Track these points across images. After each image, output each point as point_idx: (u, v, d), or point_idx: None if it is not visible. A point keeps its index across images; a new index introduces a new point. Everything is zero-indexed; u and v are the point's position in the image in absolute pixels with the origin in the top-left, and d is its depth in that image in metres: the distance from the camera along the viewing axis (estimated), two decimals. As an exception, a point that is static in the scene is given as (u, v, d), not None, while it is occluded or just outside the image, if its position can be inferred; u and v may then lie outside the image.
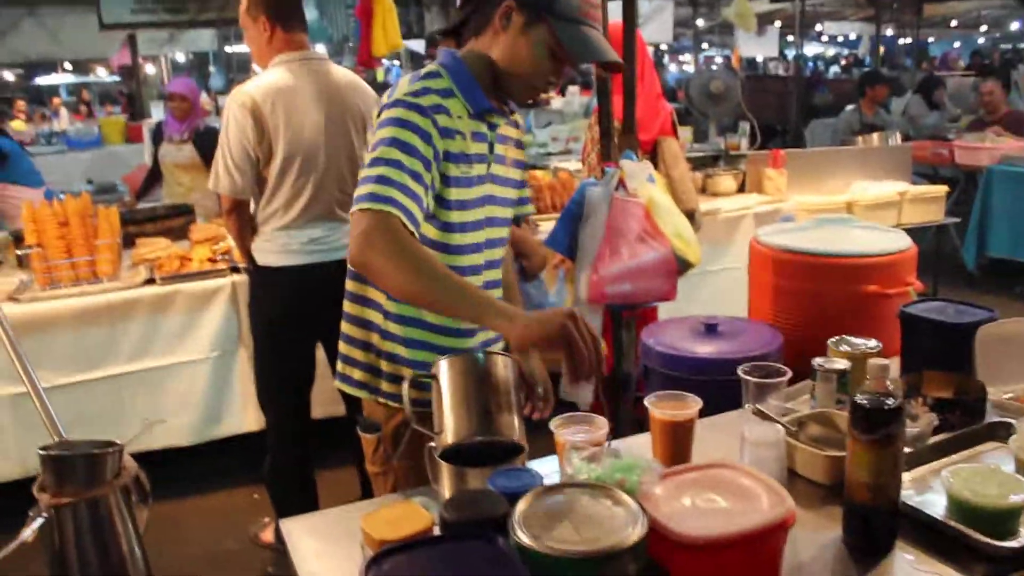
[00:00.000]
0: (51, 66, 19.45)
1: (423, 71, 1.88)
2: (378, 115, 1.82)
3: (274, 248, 3.08)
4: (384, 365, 1.97)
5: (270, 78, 3.02)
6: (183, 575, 3.30)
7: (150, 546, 3.58)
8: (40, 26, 9.94)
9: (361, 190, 1.69)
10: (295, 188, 3.03)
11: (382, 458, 2.03)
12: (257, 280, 3.21)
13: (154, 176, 5.58)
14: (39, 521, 1.24)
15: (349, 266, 1.98)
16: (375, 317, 1.97)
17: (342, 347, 2.06)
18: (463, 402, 1.61)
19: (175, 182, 5.37)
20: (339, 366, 2.07)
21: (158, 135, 5.53)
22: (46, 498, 1.26)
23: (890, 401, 1.45)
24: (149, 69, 15.82)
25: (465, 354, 1.69)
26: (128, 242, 4.17)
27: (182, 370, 3.82)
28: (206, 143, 5.27)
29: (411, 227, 1.67)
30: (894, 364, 2.19)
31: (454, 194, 1.84)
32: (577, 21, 1.79)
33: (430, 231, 1.85)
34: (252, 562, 3.47)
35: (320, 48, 21.82)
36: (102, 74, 20.41)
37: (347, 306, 2.03)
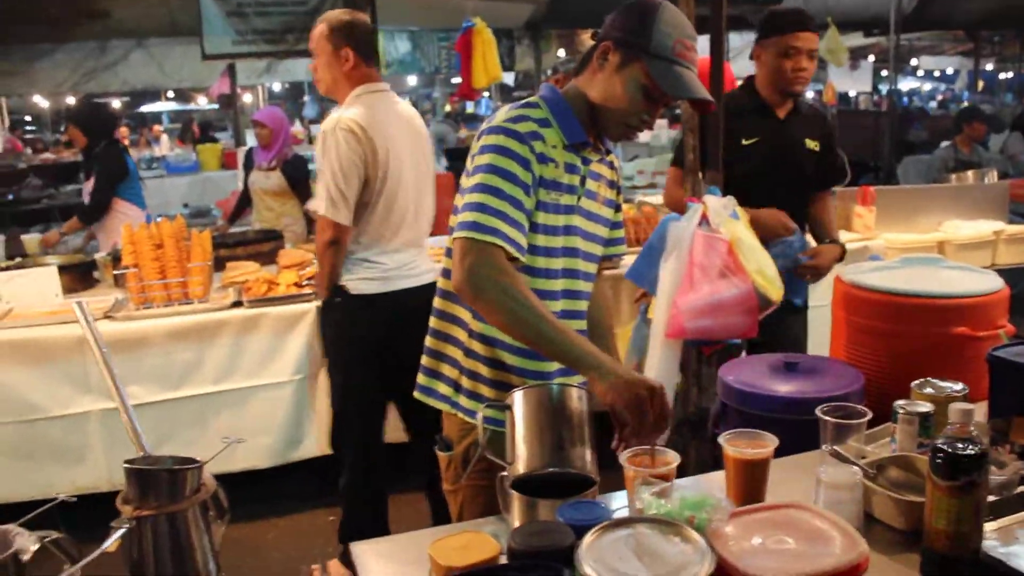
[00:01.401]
0: (155, 95, 20.24)
1: (522, 102, 1.96)
2: (477, 140, 1.89)
3: (371, 275, 3.18)
4: (465, 382, 2.02)
5: (365, 108, 3.12)
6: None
7: (228, 565, 3.66)
8: (148, 57, 10.35)
9: (464, 217, 1.78)
10: (392, 215, 3.15)
11: (453, 476, 2.06)
12: (348, 308, 3.24)
13: (244, 201, 5.75)
14: (121, 531, 1.28)
15: (439, 284, 2.04)
16: (460, 334, 2.03)
17: (426, 360, 2.12)
18: (536, 433, 1.62)
19: (264, 207, 5.52)
20: (421, 378, 2.13)
21: (249, 162, 5.69)
22: (128, 510, 1.31)
23: (973, 446, 1.41)
24: (246, 98, 16.34)
25: (540, 385, 1.71)
26: (219, 265, 4.30)
27: (265, 392, 3.90)
28: (295, 170, 5.42)
29: (516, 254, 1.79)
30: (981, 409, 2.12)
31: (541, 218, 1.90)
32: (671, 60, 1.86)
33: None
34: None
35: (412, 80, 22.23)
36: (202, 103, 21.15)
37: (433, 322, 2.09)
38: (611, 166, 2.13)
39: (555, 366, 2.02)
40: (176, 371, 3.78)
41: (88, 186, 5.45)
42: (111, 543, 1.26)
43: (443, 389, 2.07)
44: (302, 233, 5.36)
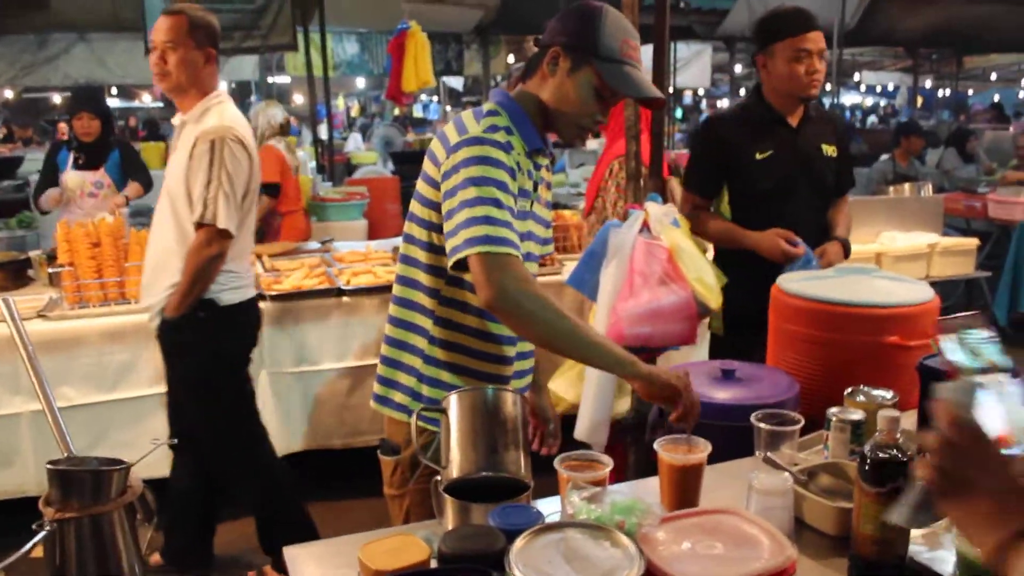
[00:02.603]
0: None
1: (484, 109, 1.97)
2: (454, 151, 1.85)
3: (237, 284, 3.14)
4: (425, 390, 2.01)
5: (235, 113, 3.09)
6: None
7: (164, 570, 3.60)
8: (90, 51, 10.17)
9: (472, 231, 1.75)
10: (250, 224, 3.15)
11: (399, 481, 2.06)
12: (215, 321, 3.10)
13: None
14: (42, 534, 1.25)
15: (395, 292, 2.05)
16: (419, 342, 2.02)
17: (382, 369, 2.10)
18: (470, 437, 1.62)
19: None
20: (377, 387, 2.11)
21: None
22: (51, 512, 1.28)
23: (900, 453, 1.43)
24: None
25: (475, 389, 1.70)
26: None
27: (203, 394, 3.84)
28: None
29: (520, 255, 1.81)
30: (911, 417, 2.17)
31: (515, 226, 1.90)
32: (620, 61, 1.91)
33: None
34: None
35: (360, 82, 22.10)
36: (147, 100, 20.82)
37: (390, 330, 2.08)
38: (549, 167, 2.19)
39: (514, 368, 2.06)
40: (111, 372, 3.70)
41: (98, 175, 5.36)
42: (31, 546, 1.23)
43: (399, 398, 2.05)
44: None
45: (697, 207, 3.25)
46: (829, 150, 3.14)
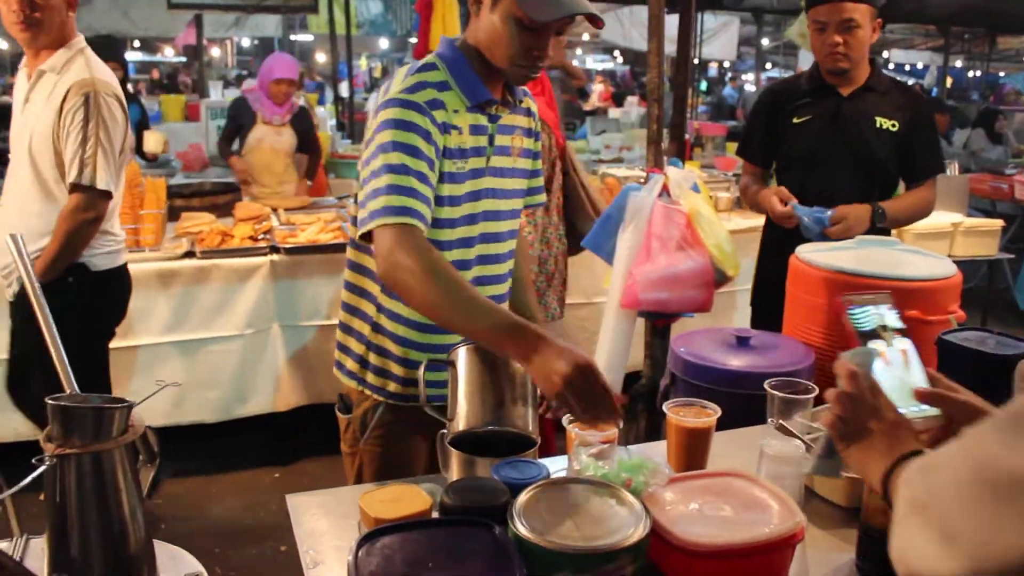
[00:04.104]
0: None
1: (420, 63, 1.86)
2: (375, 114, 1.79)
3: (111, 248, 2.99)
4: (372, 358, 1.97)
5: (101, 63, 2.90)
6: (194, 547, 3.31)
7: (169, 517, 3.63)
8: (113, 3, 10.14)
9: (375, 203, 1.68)
10: (123, 184, 3.02)
11: (351, 439, 2.04)
12: (86, 287, 2.93)
13: (223, 152, 5.39)
14: (42, 468, 1.24)
15: (348, 255, 2.00)
16: (369, 309, 1.97)
17: (339, 335, 2.07)
18: (478, 391, 1.60)
19: (267, 170, 5.15)
20: (336, 353, 2.09)
21: (241, 117, 5.27)
22: (51, 447, 1.26)
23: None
24: (214, 52, 16.06)
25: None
26: (174, 215, 4.22)
27: (215, 345, 3.85)
28: (302, 123, 5.25)
29: (422, 225, 1.68)
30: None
31: (446, 190, 1.81)
32: None
33: None
34: (264, 539, 3.48)
35: (383, 42, 21.98)
36: (168, 54, 20.78)
37: (344, 295, 2.03)
38: (528, 113, 2.03)
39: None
40: (125, 320, 3.69)
41: None
42: (31, 479, 1.21)
43: (350, 365, 2.02)
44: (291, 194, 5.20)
45: (750, 174, 3.21)
46: (886, 123, 2.97)
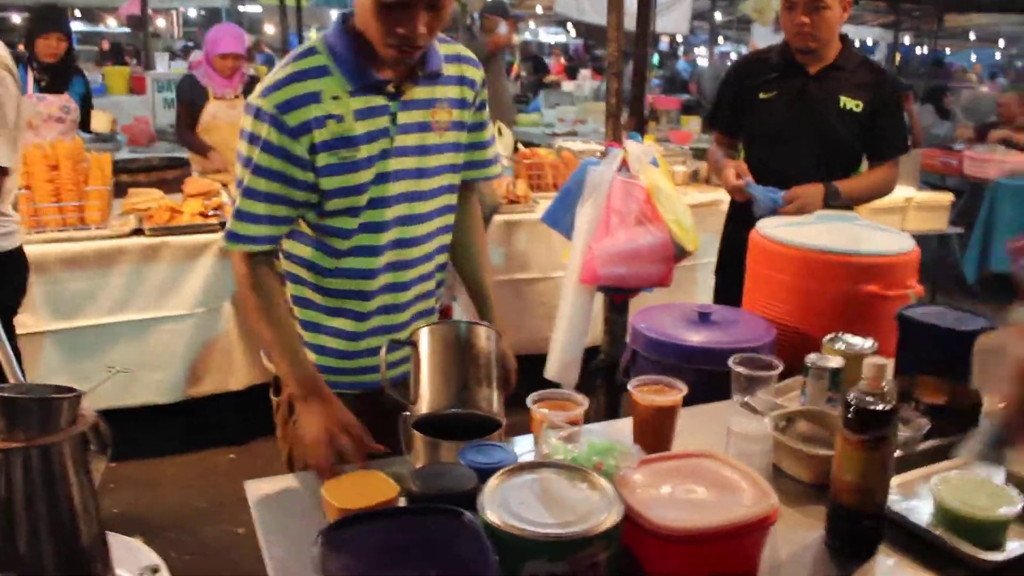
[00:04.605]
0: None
1: (300, 49, 1.78)
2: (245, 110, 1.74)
3: (5, 229, 2.84)
4: (307, 336, 1.93)
5: None
6: (149, 530, 3.25)
7: (123, 502, 3.56)
8: (52, -30, 9.83)
9: (230, 222, 1.74)
10: (18, 161, 2.85)
11: (282, 422, 2.00)
12: None
13: (190, 141, 5.12)
14: (-14, 463, 1.18)
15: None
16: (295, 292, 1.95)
17: None
18: (441, 372, 1.56)
19: (226, 147, 4.88)
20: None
21: (190, 94, 5.07)
22: (-5, 441, 1.20)
23: (884, 402, 1.39)
24: (160, 22, 15.70)
25: (448, 323, 1.64)
26: (121, 191, 4.09)
27: (165, 325, 3.75)
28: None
29: (255, 248, 1.74)
30: (888, 366, 2.14)
31: (332, 182, 1.74)
32: None
33: (312, 220, 1.82)
34: (221, 521, 3.42)
35: (333, 14, 21.72)
36: (112, 24, 20.28)
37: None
38: (459, 81, 1.90)
39: (372, 324, 1.90)
40: (70, 300, 3.60)
41: (63, 100, 5.11)
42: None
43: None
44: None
45: (720, 144, 3.28)
46: (850, 103, 2.96)
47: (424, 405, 1.53)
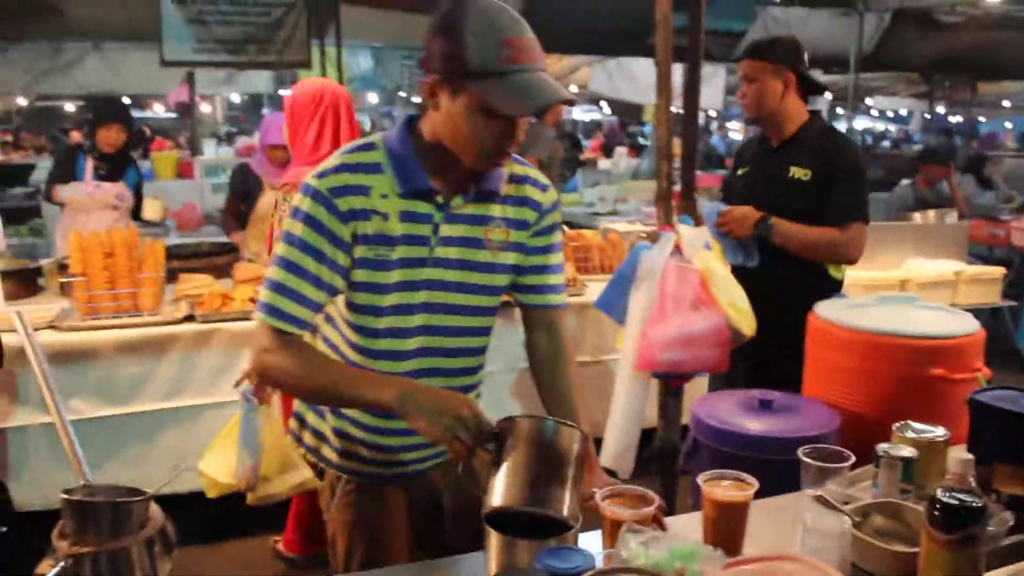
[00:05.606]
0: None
1: (360, 142, 1.79)
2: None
3: None
4: (333, 440, 1.93)
5: None
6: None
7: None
8: (104, 60, 10.13)
9: (265, 294, 1.72)
10: None
11: (325, 506, 1.99)
12: None
13: (228, 228, 5.22)
14: (55, 570, 1.16)
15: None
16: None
17: (297, 405, 2.04)
18: (519, 467, 1.52)
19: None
20: (292, 424, 2.05)
21: (243, 183, 5.14)
22: (65, 546, 1.19)
23: (974, 499, 1.34)
24: (204, 108, 16.11)
25: (534, 417, 1.60)
26: (172, 277, 4.15)
27: (216, 410, 3.74)
28: None
29: (294, 331, 1.71)
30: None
31: (361, 275, 1.74)
32: (501, 73, 1.58)
33: (340, 307, 1.82)
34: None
35: (372, 97, 22.20)
36: (158, 110, 20.83)
37: None
38: (519, 202, 1.87)
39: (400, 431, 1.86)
40: (123, 386, 3.61)
41: (118, 188, 5.23)
42: (45, 583, 1.14)
43: (311, 440, 2.00)
44: None
45: None
46: (799, 173, 3.06)
47: (496, 498, 1.49)
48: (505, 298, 1.94)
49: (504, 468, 1.52)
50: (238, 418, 3.02)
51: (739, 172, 3.31)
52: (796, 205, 3.04)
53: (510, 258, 1.87)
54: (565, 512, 1.47)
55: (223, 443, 3.03)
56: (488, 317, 1.91)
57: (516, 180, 1.87)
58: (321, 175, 1.71)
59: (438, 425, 1.56)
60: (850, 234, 3.01)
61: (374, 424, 1.86)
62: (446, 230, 1.78)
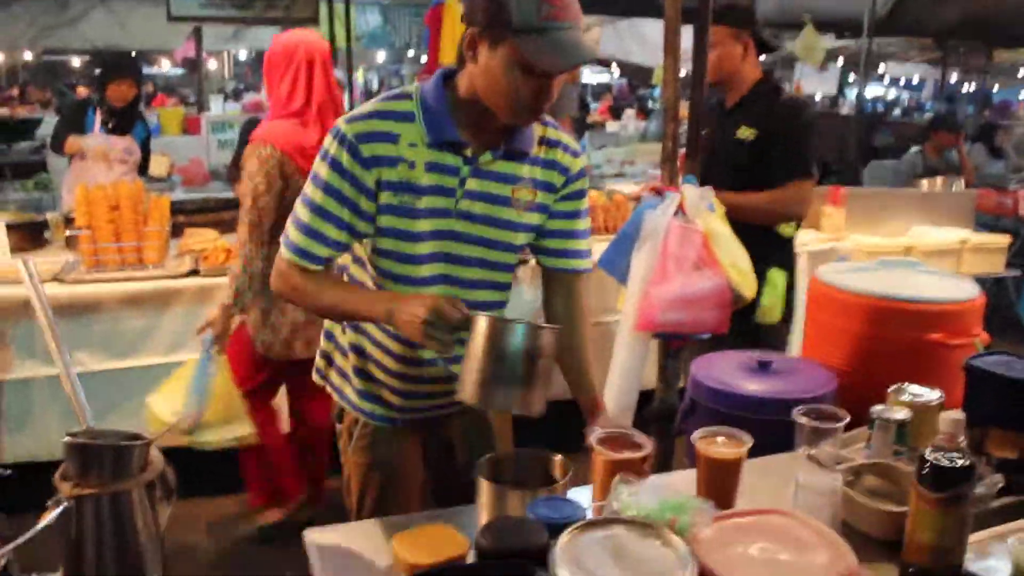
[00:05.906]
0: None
1: (396, 91, 1.83)
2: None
3: None
4: (355, 381, 2.00)
5: None
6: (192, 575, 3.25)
7: (169, 542, 3.55)
8: (110, 15, 10.07)
9: (291, 230, 1.80)
10: None
11: (342, 448, 2.06)
12: None
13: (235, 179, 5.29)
14: (59, 510, 1.19)
15: (350, 272, 2.01)
16: (335, 328, 2.05)
17: (324, 343, 2.10)
18: (475, 363, 1.56)
19: None
20: (319, 362, 2.12)
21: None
22: (67, 487, 1.21)
23: (962, 459, 1.36)
24: (211, 64, 16.02)
25: (490, 316, 1.62)
26: (177, 232, 4.16)
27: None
28: None
29: (314, 267, 1.79)
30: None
31: (386, 221, 1.78)
32: (542, 29, 1.60)
33: (363, 253, 1.88)
34: (264, 564, 3.40)
35: (380, 55, 22.04)
36: (166, 66, 20.72)
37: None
38: (548, 165, 1.89)
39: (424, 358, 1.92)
40: (127, 339, 3.64)
41: (126, 142, 5.26)
42: (47, 523, 1.16)
43: (334, 378, 2.07)
44: None
45: None
46: (745, 132, 3.11)
47: (467, 393, 1.55)
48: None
49: (463, 363, 1.56)
50: (194, 363, 3.06)
51: (703, 133, 3.20)
52: (741, 164, 3.11)
53: (534, 219, 1.90)
54: (515, 410, 1.51)
55: (175, 384, 3.07)
56: (506, 272, 1.94)
57: (548, 143, 1.89)
58: (351, 120, 1.75)
59: (415, 327, 1.61)
60: (790, 192, 3.05)
61: (393, 367, 1.92)
62: (472, 184, 1.80)
